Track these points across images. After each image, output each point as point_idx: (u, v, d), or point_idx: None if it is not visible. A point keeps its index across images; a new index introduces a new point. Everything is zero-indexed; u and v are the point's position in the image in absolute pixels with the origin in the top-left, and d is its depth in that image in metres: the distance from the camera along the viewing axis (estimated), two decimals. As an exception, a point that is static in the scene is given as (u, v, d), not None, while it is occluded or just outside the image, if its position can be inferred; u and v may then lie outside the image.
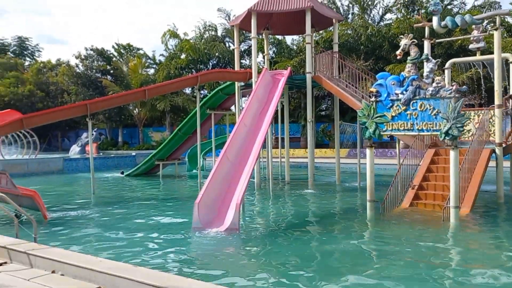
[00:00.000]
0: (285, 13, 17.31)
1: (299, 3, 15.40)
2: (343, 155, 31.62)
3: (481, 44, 13.06)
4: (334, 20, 17.09)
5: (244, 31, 33.40)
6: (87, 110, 14.17)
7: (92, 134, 33.43)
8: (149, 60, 45.00)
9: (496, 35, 11.43)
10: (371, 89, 10.11)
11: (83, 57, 44.46)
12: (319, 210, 11.29)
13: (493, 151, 11.61)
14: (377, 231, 8.88)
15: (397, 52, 9.98)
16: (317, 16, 16.01)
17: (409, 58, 9.75)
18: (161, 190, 16.68)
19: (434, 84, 9.23)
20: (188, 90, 41.69)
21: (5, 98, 41.15)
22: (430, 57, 9.61)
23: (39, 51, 58.78)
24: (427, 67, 9.53)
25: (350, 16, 32.00)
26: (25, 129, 26.98)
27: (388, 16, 31.71)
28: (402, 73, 9.80)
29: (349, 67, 15.30)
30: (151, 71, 44.58)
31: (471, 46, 13.36)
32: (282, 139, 18.55)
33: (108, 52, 45.96)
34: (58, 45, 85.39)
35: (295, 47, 34.26)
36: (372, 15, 31.81)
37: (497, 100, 11.51)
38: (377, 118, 9.97)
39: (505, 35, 24.08)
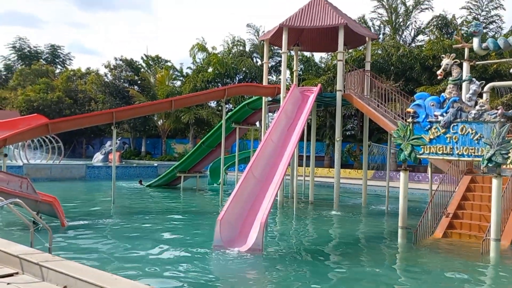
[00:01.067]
0: (316, 29, 17.03)
1: (332, 19, 15.07)
2: (368, 176, 30.85)
3: (525, 68, 12.41)
4: (367, 38, 16.67)
5: (273, 47, 33.44)
6: (113, 118, 14.04)
7: (116, 143, 33.85)
8: (176, 72, 45.32)
9: (543, 58, 10.78)
10: (409, 110, 9.59)
11: (112, 66, 45.14)
12: (345, 235, 10.70)
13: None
14: (408, 262, 8.26)
15: (438, 72, 9.47)
16: (350, 33, 15.62)
17: (450, 78, 9.23)
18: (181, 203, 16.35)
19: (477, 107, 8.67)
20: (213, 104, 41.69)
21: (34, 103, 41.98)
22: (473, 79, 9.05)
23: (70, 59, 60.16)
24: (470, 89, 8.97)
25: (381, 36, 31.51)
26: (51, 134, 27.35)
27: (420, 37, 31.10)
28: (442, 94, 9.27)
29: (380, 87, 14.80)
30: (178, 83, 44.83)
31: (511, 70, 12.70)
32: (306, 157, 18.06)
33: (137, 63, 46.56)
34: (89, 55, 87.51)
35: (323, 65, 33.89)
36: (403, 36, 31.23)
37: (542, 127, 10.77)
38: (414, 140, 9.41)
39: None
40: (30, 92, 43.74)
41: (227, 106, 38.41)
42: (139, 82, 45.33)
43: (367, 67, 16.66)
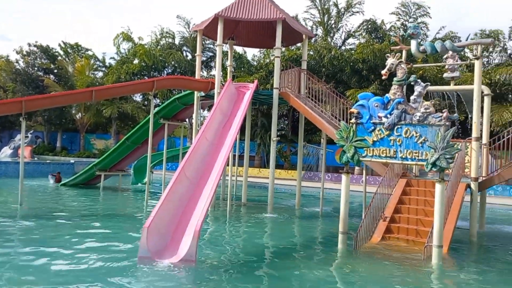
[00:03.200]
0: (253, 23, 16.33)
1: (270, 13, 14.43)
2: (296, 177, 30.90)
3: (456, 74, 12.63)
4: (304, 36, 16.29)
5: (204, 41, 32.25)
6: (22, 108, 12.20)
7: (27, 137, 30.61)
8: (98, 62, 42.34)
9: (477, 64, 10.97)
10: (352, 110, 9.15)
11: (25, 53, 41.07)
12: (282, 240, 10.04)
13: (468, 185, 11.02)
14: (352, 270, 7.75)
15: (383, 72, 9.12)
16: (287, 30, 15.10)
17: (395, 79, 8.93)
18: (101, 204, 14.75)
19: (422, 110, 8.42)
20: (138, 98, 39.48)
21: None
22: (418, 80, 8.81)
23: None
24: (415, 90, 8.72)
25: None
26: None
27: (350, 40, 31.73)
28: (387, 95, 8.94)
29: (317, 87, 14.45)
30: (100, 74, 41.94)
31: (445, 75, 12.90)
32: (235, 156, 17.27)
33: (54, 50, 42.83)
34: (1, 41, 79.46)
35: (255, 63, 33.39)
36: (335, 38, 31.71)
37: (474, 133, 10.98)
38: (357, 142, 8.98)
39: (465, 69, 24.56)
40: None
41: (154, 101, 36.45)
42: (55, 71, 41.69)
43: (304, 65, 16.31)
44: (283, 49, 26.59)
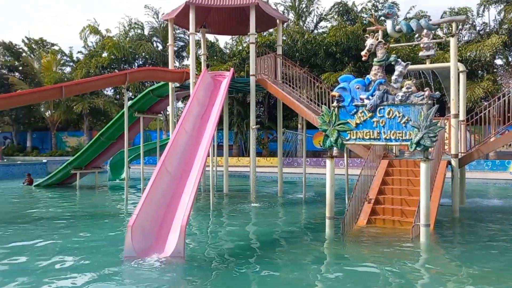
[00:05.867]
0: (225, 9, 15.96)
1: (243, -2, 14.08)
2: (275, 163, 30.85)
3: (431, 52, 12.63)
4: (278, 21, 16.03)
5: (175, 30, 31.50)
6: (-14, 108, 11.56)
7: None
8: (65, 57, 40.96)
9: (453, 41, 11.00)
10: (333, 93, 9.00)
11: (-14, 50, 39.36)
12: (269, 229, 9.89)
13: (449, 162, 11.11)
14: (341, 257, 7.67)
15: (363, 53, 8.95)
16: (261, 15, 14.83)
17: (375, 59, 8.79)
18: (79, 204, 14.26)
19: (403, 89, 8.33)
20: (110, 92, 38.48)
21: None
22: (399, 60, 8.71)
23: None
24: (396, 70, 8.62)
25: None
26: None
27: (322, 24, 31.62)
28: (368, 76, 8.81)
29: (294, 71, 14.26)
30: (68, 69, 40.62)
31: (420, 54, 12.89)
32: (214, 146, 16.94)
33: (17, 47, 41.16)
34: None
35: (228, 51, 32.92)
36: (307, 22, 31.49)
37: (453, 110, 11.05)
38: (340, 126, 8.86)
39: (436, 48, 24.82)
40: None
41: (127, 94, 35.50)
42: (20, 68, 40.14)
43: (279, 51, 16.08)
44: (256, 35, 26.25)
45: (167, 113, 31.51)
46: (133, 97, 28.05)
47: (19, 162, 27.09)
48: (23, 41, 42.44)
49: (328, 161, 9.11)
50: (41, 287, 5.75)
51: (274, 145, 34.34)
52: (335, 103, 8.91)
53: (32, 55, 41.77)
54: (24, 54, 41.42)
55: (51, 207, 13.31)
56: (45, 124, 41.40)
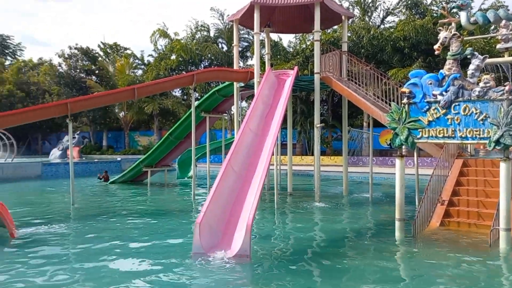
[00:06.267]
0: (289, 8, 15.90)
1: (307, -4, 13.94)
2: (339, 162, 30.27)
3: (510, 44, 11.69)
4: (343, 17, 15.70)
5: (239, 31, 31.96)
6: (68, 110, 12.46)
7: (74, 137, 31.61)
8: (137, 61, 43.09)
9: (538, 32, 10.07)
10: (403, 89, 8.63)
11: (66, 56, 42.38)
12: (335, 229, 9.72)
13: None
14: (412, 260, 7.33)
15: (436, 47, 8.51)
16: (325, 11, 14.58)
17: (449, 53, 8.30)
18: (150, 201, 14.93)
19: (481, 84, 7.79)
20: (178, 93, 39.93)
21: (-18, 98, 38.89)
22: (475, 53, 8.16)
23: (21, 50, 56.28)
24: (472, 64, 8.08)
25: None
26: (1, 131, 25.02)
27: (389, 18, 30.52)
28: (441, 71, 8.34)
29: (362, 68, 13.86)
30: (139, 72, 42.68)
31: (498, 46, 11.93)
32: (281, 145, 16.99)
33: (94, 52, 43.96)
34: (42, 46, 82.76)
35: (291, 50, 32.82)
36: (373, 17, 30.56)
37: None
38: (410, 124, 8.48)
39: None
40: (-23, 86, 40.50)
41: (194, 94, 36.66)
42: (97, 72, 42.82)
43: (344, 47, 15.75)
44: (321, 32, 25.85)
45: (231, 112, 32.09)
46: (199, 97, 28.87)
47: (96, 160, 28.93)
48: (98, 46, 45.30)
49: (397, 161, 8.75)
50: (107, 279, 6.07)
51: (338, 143, 33.71)
52: (405, 100, 8.54)
53: (107, 59, 44.41)
54: (100, 58, 44.13)
55: (125, 203, 14.07)
56: (119, 125, 43.87)
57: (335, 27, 28.93)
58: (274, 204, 12.62)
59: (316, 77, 13.95)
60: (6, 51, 54.94)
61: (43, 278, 6.06)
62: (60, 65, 43.16)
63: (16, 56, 55.18)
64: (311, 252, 7.62)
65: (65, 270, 6.47)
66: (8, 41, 54.93)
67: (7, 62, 51.08)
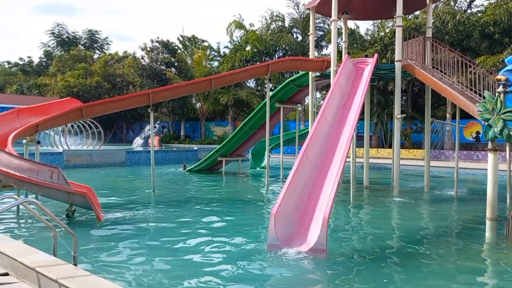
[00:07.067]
0: (369, -7, 15.20)
1: (389, -21, 13.21)
2: (420, 156, 28.73)
3: None
4: (428, 1, 14.67)
5: (316, 19, 31.39)
6: (149, 100, 13.01)
7: (155, 127, 33.23)
8: (213, 52, 44.16)
9: None
10: (498, 77, 7.87)
11: (148, 49, 44.52)
12: (416, 227, 9.16)
13: None
14: (506, 265, 6.66)
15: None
16: (408, -5, 13.73)
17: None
18: (225, 189, 15.23)
19: None
20: (252, 84, 40.32)
21: (74, 89, 42.14)
22: None
23: (108, 44, 60.27)
24: None
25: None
26: (90, 119, 26.95)
27: (477, 2, 28.25)
28: (545, 55, 7.45)
29: (449, 55, 12.88)
30: (215, 63, 43.71)
31: None
32: (357, 137, 16.35)
33: (173, 44, 45.71)
34: (126, 41, 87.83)
35: (368, 38, 31.62)
36: (458, 2, 28.42)
37: None
38: (506, 114, 7.71)
39: None
40: (69, 78, 43.97)
41: (265, 85, 36.86)
42: (176, 64, 44.55)
43: (428, 33, 14.73)
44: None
45: (305, 103, 31.73)
46: (273, 88, 28.86)
47: (174, 149, 30.17)
48: (178, 39, 47.05)
49: (490, 155, 8.04)
50: (180, 266, 6.20)
51: (417, 136, 32.02)
52: (500, 88, 7.78)
53: (185, 52, 46.01)
54: (179, 51, 45.82)
55: (201, 192, 14.49)
56: (195, 115, 45.41)
57: (417, 13, 27.34)
58: (349, 198, 12.23)
59: (398, 65, 13.23)
60: (95, 45, 59.11)
61: (122, 259, 6.38)
62: (142, 58, 45.51)
63: (104, 50, 59.15)
64: (390, 250, 7.24)
65: (143, 254, 6.75)
66: (96, 35, 59.04)
67: (96, 56, 54.92)
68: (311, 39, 15.75)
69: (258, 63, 35.85)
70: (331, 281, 5.79)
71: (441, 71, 12.81)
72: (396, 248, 7.40)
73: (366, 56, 22.71)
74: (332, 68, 13.74)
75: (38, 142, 11.54)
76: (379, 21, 29.96)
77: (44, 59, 57.53)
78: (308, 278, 5.82)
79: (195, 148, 30.33)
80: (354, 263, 6.38)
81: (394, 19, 14.80)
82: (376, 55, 13.97)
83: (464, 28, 25.41)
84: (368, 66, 12.80)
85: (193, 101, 43.57)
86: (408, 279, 5.81)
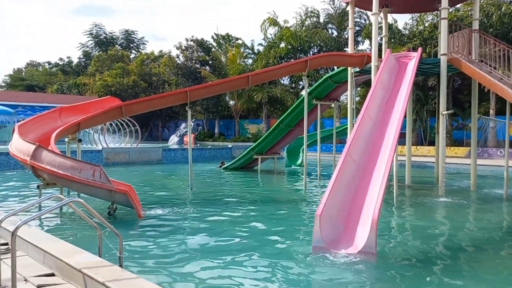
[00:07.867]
0: (411, -15, 14.63)
1: (433, -31, 12.64)
2: (462, 154, 27.65)
3: None
4: (474, -9, 13.97)
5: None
6: (187, 98, 12.98)
7: (191, 125, 33.60)
8: (247, 50, 44.10)
9: None
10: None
11: (183, 48, 44.96)
12: (463, 229, 8.70)
13: None
14: None
15: None
16: (454, -14, 13.10)
17: None
18: (261, 188, 15.07)
19: None
20: (286, 81, 40.00)
21: (111, 88, 43.09)
22: None
23: (144, 43, 61.35)
24: None
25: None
26: (128, 118, 27.42)
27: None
28: None
29: (499, 47, 12.19)
30: (249, 61, 43.64)
31: None
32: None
33: (208, 43, 45.97)
34: (161, 41, 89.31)
35: (407, 32, 30.67)
36: (505, -8, 27.10)
37: None
38: None
39: None
40: (107, 77, 45.00)
41: (301, 82, 36.63)
42: (210, 62, 44.82)
43: (475, 25, 14.02)
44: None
45: (340, 100, 31.15)
46: (309, 85, 28.48)
47: (209, 146, 30.34)
48: (212, 37, 47.28)
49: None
50: (224, 268, 6.04)
51: (458, 133, 30.86)
52: None
53: (219, 50, 46.19)
54: (213, 49, 46.05)
55: (238, 190, 14.38)
56: (230, 113, 45.54)
57: (458, 6, 26.26)
58: (392, 197, 11.80)
59: (443, 59, 12.65)
60: (131, 45, 60.32)
61: (168, 264, 6.29)
62: (178, 57, 46.02)
63: (140, 49, 60.26)
64: (438, 253, 6.83)
65: (184, 252, 6.68)
66: (132, 35, 60.22)
67: (132, 55, 56.03)
68: (350, 34, 15.37)
69: (292, 60, 35.50)
70: (382, 285, 5.50)
71: (490, 65, 12.17)
72: (447, 251, 6.97)
73: (411, 49, 22.03)
74: (373, 63, 13.30)
75: (80, 140, 11.72)
76: (418, 14, 28.99)
77: (83, 59, 59.25)
78: (357, 282, 5.54)
79: (230, 146, 30.35)
80: (406, 267, 6.04)
81: (435, 13, 14.16)
82: (420, 48, 13.37)
83: (510, 20, 24.22)
84: (412, 60, 12.28)
85: (227, 99, 43.70)
86: (461, 286, 5.44)
